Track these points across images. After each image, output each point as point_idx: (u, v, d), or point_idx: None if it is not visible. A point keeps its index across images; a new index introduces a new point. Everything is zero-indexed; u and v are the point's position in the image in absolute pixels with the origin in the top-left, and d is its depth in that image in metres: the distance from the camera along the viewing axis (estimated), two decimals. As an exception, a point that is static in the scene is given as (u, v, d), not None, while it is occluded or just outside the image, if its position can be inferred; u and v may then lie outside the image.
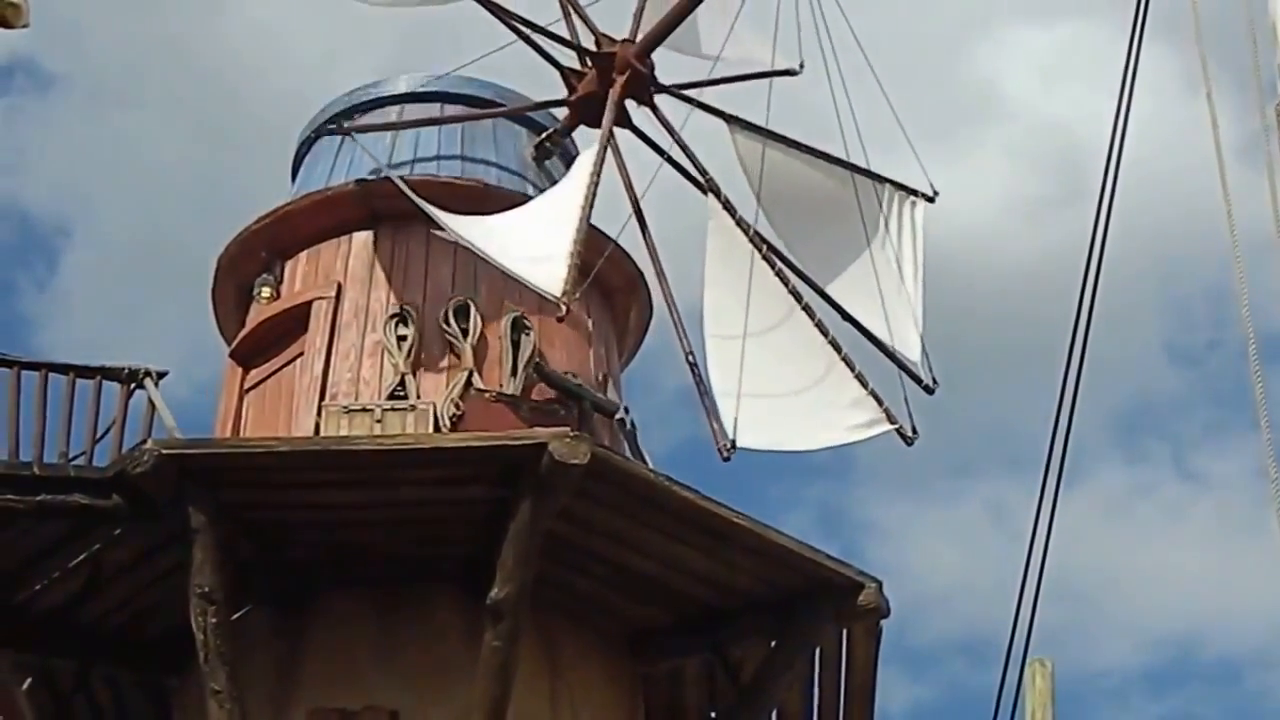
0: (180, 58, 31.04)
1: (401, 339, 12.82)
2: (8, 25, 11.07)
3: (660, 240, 13.87)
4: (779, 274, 13.79)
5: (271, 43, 32.18)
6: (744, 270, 13.50)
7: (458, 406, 12.30)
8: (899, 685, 30.24)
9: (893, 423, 13.53)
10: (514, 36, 14.17)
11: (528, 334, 12.94)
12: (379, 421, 12.05)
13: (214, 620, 10.85)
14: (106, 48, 33.13)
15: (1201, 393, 34.99)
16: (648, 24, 14.34)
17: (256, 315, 13.54)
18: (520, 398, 12.51)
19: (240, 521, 11.26)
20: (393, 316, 12.94)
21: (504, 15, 14.17)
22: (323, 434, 12.11)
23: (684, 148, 14.07)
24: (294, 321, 13.23)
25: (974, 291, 29.00)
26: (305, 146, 14.72)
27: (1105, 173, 9.42)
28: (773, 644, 12.09)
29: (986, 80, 31.67)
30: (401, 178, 13.38)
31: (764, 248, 13.85)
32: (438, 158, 14.04)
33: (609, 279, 13.75)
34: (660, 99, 14.24)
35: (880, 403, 13.57)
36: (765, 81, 14.79)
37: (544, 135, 14.41)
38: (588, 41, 14.33)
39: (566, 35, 14.34)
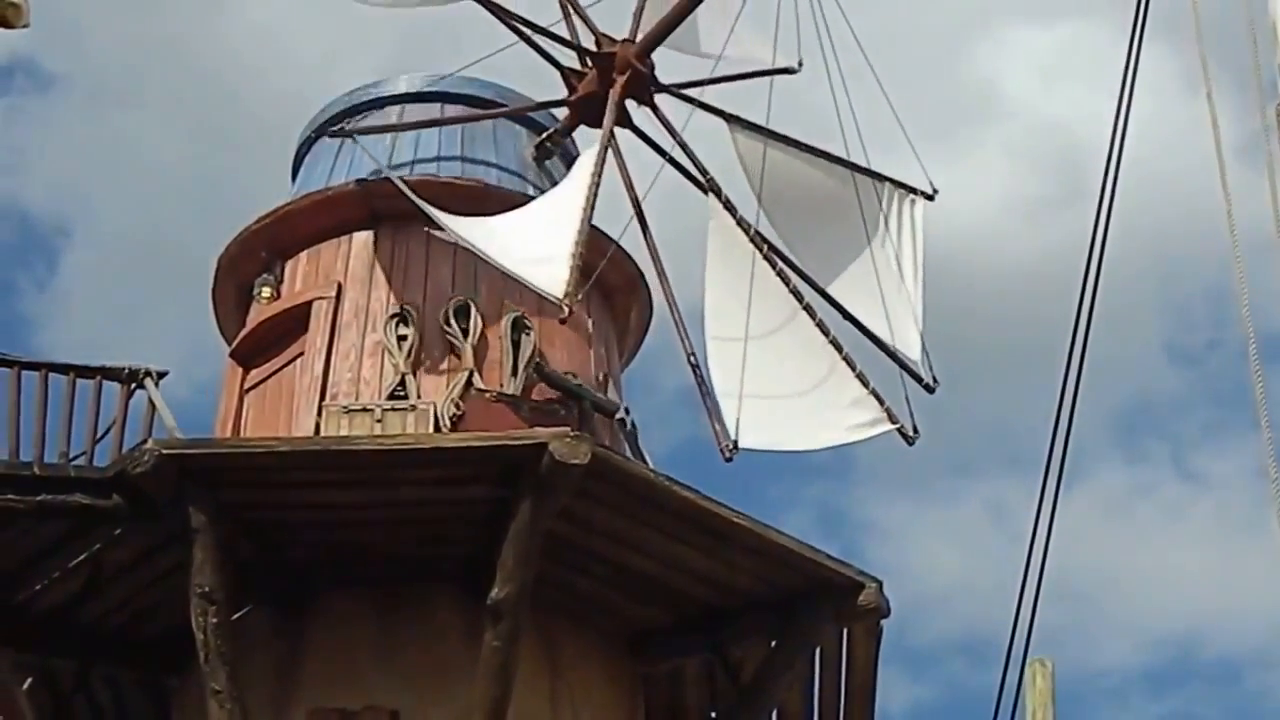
0: (180, 58, 31.10)
1: (402, 339, 12.81)
2: (8, 25, 11.04)
3: (661, 240, 13.89)
4: (780, 274, 13.79)
5: (271, 43, 32.20)
6: (745, 270, 13.49)
7: (458, 406, 12.30)
8: (899, 685, 30.27)
9: (894, 422, 13.53)
10: (514, 37, 14.17)
11: (528, 334, 12.94)
12: (379, 421, 12.05)
13: (214, 620, 10.85)
14: (106, 48, 33.16)
15: (1201, 393, 35.02)
16: (648, 24, 14.33)
17: (257, 315, 13.54)
18: (520, 398, 12.50)
19: (240, 521, 11.25)
20: (393, 316, 12.93)
21: (504, 15, 14.17)
22: (323, 434, 12.10)
23: (684, 148, 14.06)
24: (294, 321, 13.23)
25: (974, 291, 28.99)
26: (305, 147, 14.73)
27: (1105, 173, 9.42)
28: (773, 644, 12.08)
29: (986, 80, 31.69)
30: (402, 178, 13.37)
31: (765, 247, 13.85)
32: (438, 158, 14.03)
33: (609, 279, 13.74)
34: (660, 99, 14.23)
35: (881, 402, 13.56)
36: (765, 81, 14.80)
37: (544, 135, 14.41)
38: (588, 41, 14.32)
39: (567, 35, 14.34)
